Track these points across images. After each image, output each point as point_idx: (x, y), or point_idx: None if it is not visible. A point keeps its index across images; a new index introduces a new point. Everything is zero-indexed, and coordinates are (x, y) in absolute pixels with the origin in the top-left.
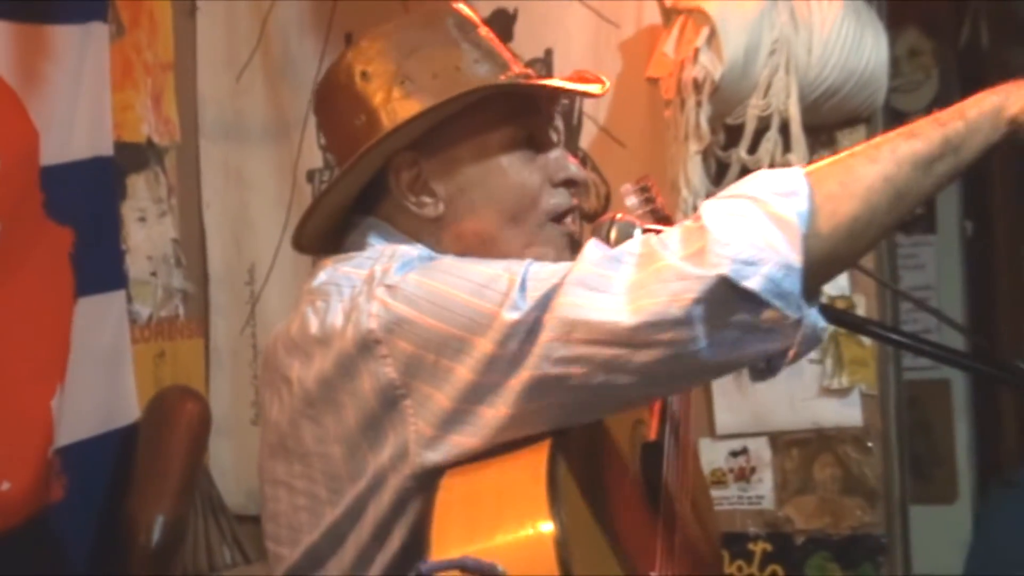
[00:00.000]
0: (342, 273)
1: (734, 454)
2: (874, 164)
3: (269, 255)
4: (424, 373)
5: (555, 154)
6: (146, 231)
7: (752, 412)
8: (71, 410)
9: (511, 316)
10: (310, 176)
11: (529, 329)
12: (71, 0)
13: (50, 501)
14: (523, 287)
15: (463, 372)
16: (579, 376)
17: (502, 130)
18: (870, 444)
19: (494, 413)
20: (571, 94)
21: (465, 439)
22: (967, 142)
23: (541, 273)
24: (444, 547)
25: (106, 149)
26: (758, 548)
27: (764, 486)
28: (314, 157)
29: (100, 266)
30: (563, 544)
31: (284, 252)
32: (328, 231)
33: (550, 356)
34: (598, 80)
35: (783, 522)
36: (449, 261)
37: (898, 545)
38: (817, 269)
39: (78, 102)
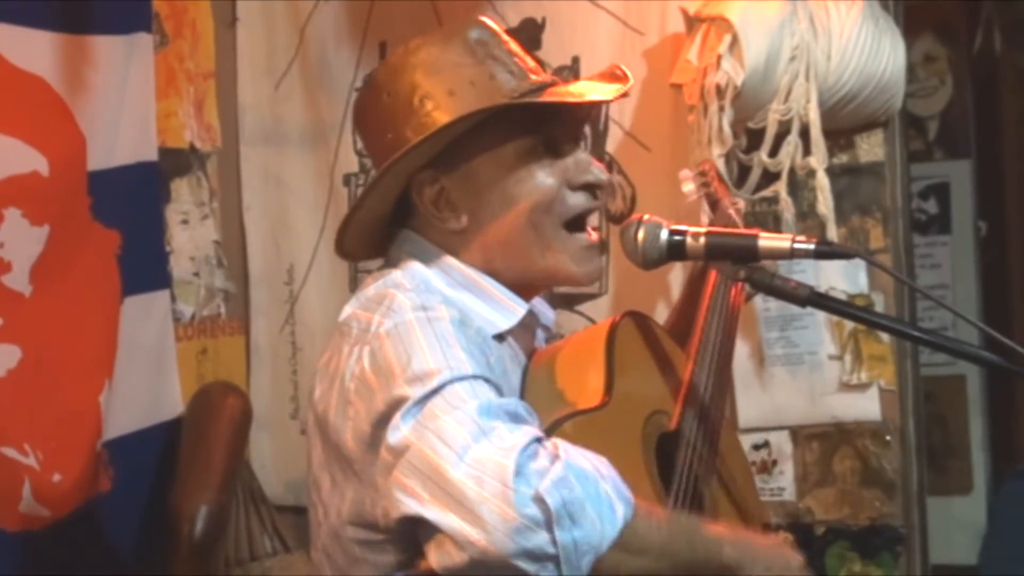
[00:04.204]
0: (354, 316)
1: (756, 447)
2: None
3: (307, 256)
4: (367, 447)
5: (576, 158)
6: (189, 233)
7: (774, 406)
8: (118, 405)
9: (394, 430)
10: (346, 180)
11: (391, 462)
12: (117, 12)
13: (98, 492)
14: (423, 401)
15: (383, 453)
16: None
17: (517, 140)
18: (888, 438)
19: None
20: (575, 106)
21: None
22: None
23: (452, 400)
24: None
25: (150, 154)
26: None
27: (785, 478)
28: (350, 162)
29: (145, 267)
30: None
31: (322, 253)
32: (371, 240)
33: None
34: (622, 79)
35: (804, 513)
36: (419, 333)
37: (916, 535)
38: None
39: (123, 109)
